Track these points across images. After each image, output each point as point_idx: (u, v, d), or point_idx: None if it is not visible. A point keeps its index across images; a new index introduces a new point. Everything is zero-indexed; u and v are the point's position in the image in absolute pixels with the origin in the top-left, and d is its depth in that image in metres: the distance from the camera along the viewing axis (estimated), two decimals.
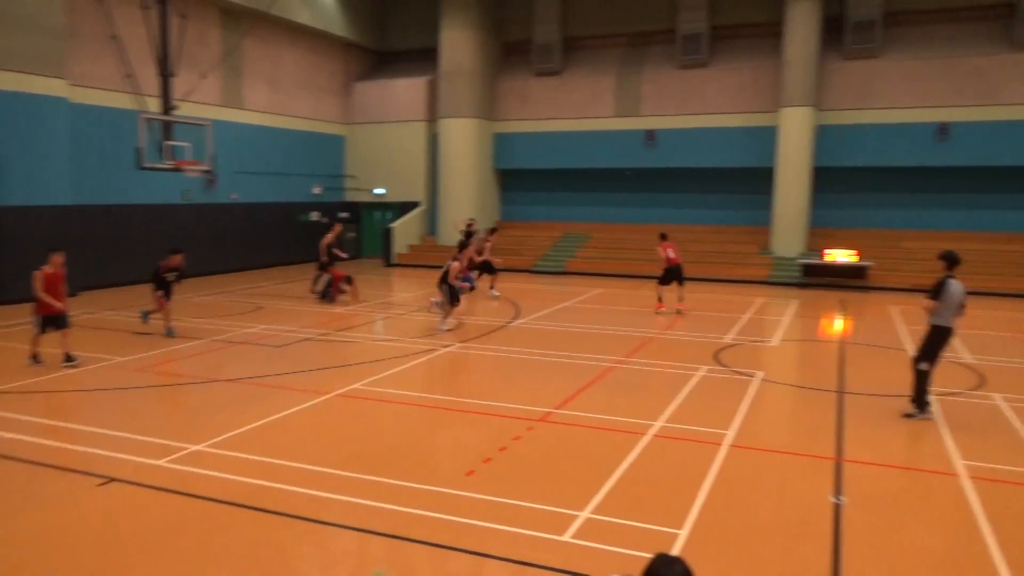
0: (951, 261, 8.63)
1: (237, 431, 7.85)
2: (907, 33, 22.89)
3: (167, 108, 17.16)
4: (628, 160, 25.67)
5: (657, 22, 25.55)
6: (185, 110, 18.57)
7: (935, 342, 8.53)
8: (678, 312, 16.03)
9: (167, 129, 16.98)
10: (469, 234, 16.32)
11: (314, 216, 27.15)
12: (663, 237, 16.49)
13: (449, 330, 13.76)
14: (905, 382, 10.32)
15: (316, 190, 27.23)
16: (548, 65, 26.46)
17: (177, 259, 13.21)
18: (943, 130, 21.70)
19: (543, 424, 8.25)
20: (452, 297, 13.85)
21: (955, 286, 8.42)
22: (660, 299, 16.33)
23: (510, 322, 14.97)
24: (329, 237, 17.58)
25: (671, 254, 16.00)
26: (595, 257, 24.67)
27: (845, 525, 5.77)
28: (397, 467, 6.88)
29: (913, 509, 6.17)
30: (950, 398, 9.51)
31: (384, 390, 9.63)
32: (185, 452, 7.20)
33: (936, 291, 8.49)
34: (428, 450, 7.54)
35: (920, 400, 8.56)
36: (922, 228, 23.02)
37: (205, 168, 17.70)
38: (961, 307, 8.50)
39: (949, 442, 7.77)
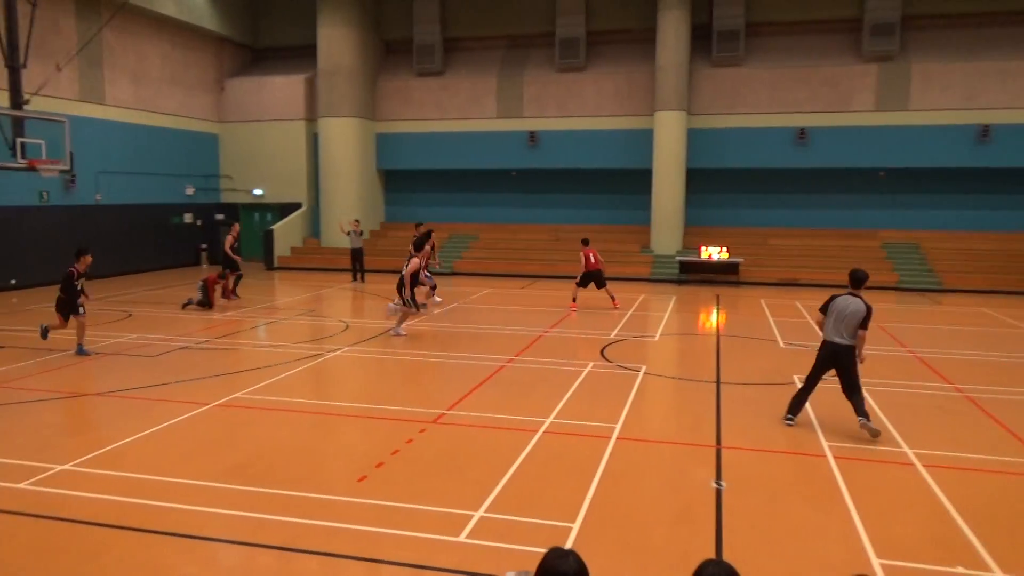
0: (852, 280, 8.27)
1: (108, 448, 7.35)
2: (768, 43, 24.36)
3: (17, 103, 15.85)
4: (512, 161, 25.98)
5: (536, 25, 25.99)
6: (38, 105, 17.23)
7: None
8: (615, 308, 16.81)
9: (18, 125, 15.69)
10: (428, 233, 16.25)
11: (187, 218, 25.85)
12: (585, 243, 17.24)
13: (404, 335, 13.45)
14: (775, 370, 11.00)
15: (189, 191, 25.93)
16: (430, 65, 26.36)
17: (88, 261, 11.89)
18: (802, 134, 23.26)
19: (436, 426, 8.22)
20: (412, 301, 13.46)
21: (840, 302, 8.12)
22: (574, 299, 16.97)
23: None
24: (229, 239, 17.47)
25: (592, 259, 16.70)
26: (483, 257, 24.81)
27: (726, 508, 6.08)
28: (284, 477, 6.66)
29: (786, 489, 6.57)
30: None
31: (269, 398, 9.30)
32: (50, 473, 6.67)
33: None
34: (317, 458, 7.34)
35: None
36: (787, 226, 24.60)
37: (63, 167, 16.47)
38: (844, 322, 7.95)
39: (816, 425, 8.33)
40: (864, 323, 7.90)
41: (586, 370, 10.92)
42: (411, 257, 13.61)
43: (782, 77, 23.55)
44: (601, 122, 24.98)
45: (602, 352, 12.24)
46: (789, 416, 8.45)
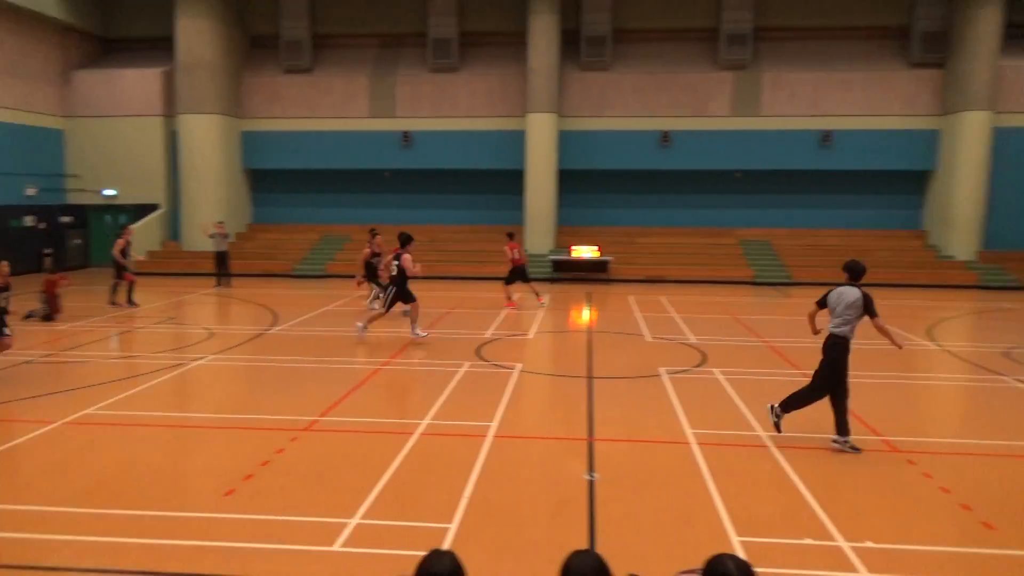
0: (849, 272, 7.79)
1: None
2: (634, 49, 25.35)
3: None
4: (385, 161, 25.67)
5: (409, 25, 25.81)
6: None
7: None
8: (540, 305, 17.24)
9: None
10: (408, 238, 15.86)
11: (28, 221, 23.81)
12: (510, 236, 17.46)
13: (425, 335, 13.13)
14: (644, 364, 11.46)
15: (30, 191, 23.88)
16: (298, 62, 25.59)
17: (5, 268, 10.50)
18: (665, 137, 24.37)
19: (308, 433, 7.99)
20: (406, 297, 12.96)
21: (834, 294, 7.77)
22: (509, 297, 17.31)
23: (267, 329, 14.28)
24: (120, 242, 16.79)
25: (516, 254, 16.89)
26: (356, 259, 24.33)
27: (598, 499, 6.28)
28: (144, 496, 6.27)
29: (654, 476, 6.87)
30: (679, 375, 10.71)
31: (124, 413, 8.72)
32: None
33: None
34: (179, 474, 6.96)
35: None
36: (653, 225, 25.69)
37: None
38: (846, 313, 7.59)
39: (681, 414, 8.76)
40: (869, 311, 7.51)
41: (462, 370, 10.95)
42: (398, 255, 13.00)
43: (647, 82, 24.56)
44: (475, 123, 25.14)
45: (478, 352, 12.32)
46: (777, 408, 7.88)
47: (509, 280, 17.27)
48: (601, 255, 22.86)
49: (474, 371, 10.95)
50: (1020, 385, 10.43)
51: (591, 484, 6.61)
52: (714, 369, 11.12)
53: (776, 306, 18.54)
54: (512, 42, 25.48)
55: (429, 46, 25.21)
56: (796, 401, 7.84)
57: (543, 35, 23.52)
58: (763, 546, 5.44)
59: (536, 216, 24.32)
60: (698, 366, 11.37)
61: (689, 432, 8.09)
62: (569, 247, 23.34)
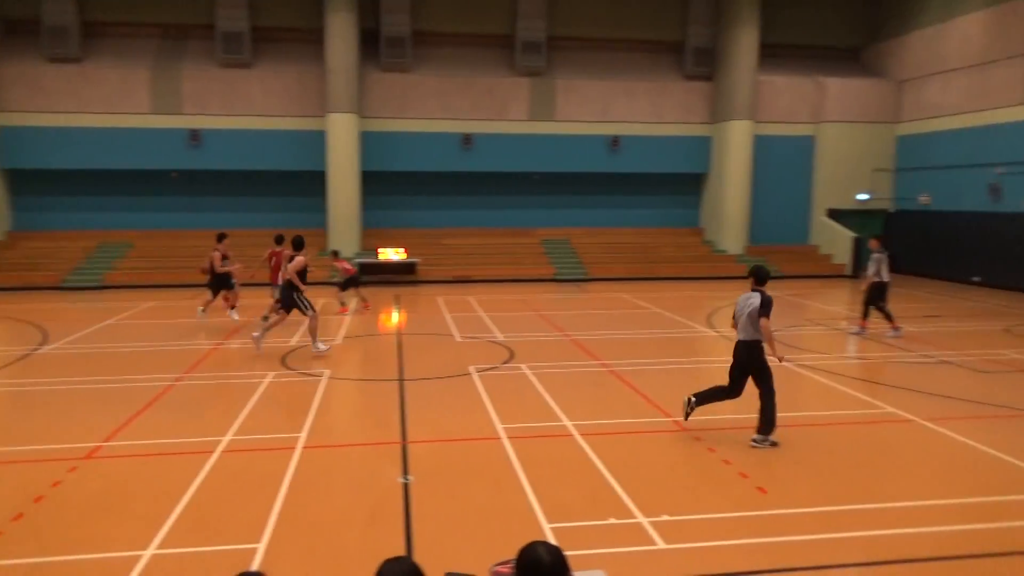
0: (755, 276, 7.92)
1: None
2: (434, 52, 25.54)
3: None
4: (171, 161, 23.83)
5: (194, 16, 24.15)
6: None
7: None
8: (366, 309, 17.02)
9: None
10: (280, 238, 14.07)
11: None
12: (335, 255, 18.02)
13: (326, 350, 12.32)
14: (454, 363, 11.58)
15: None
16: (64, 50, 23.02)
17: None
18: (467, 140, 24.82)
19: (90, 461, 7.23)
20: (303, 305, 12.05)
21: (740, 300, 7.96)
22: (343, 304, 17.21)
23: (36, 349, 12.73)
24: None
25: (347, 266, 17.15)
26: (140, 268, 22.39)
27: (414, 501, 6.27)
28: None
29: (468, 473, 6.98)
30: (489, 372, 10.97)
31: None
32: None
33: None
34: None
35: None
36: (458, 226, 26.05)
37: None
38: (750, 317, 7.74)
39: (491, 411, 8.97)
40: (764, 312, 7.57)
41: (266, 381, 10.45)
42: (294, 257, 12.07)
43: (448, 85, 24.85)
44: (271, 122, 24.06)
45: (283, 360, 11.82)
46: (692, 399, 8.07)
47: (344, 287, 17.16)
48: (408, 257, 22.81)
49: (279, 381, 10.49)
50: (783, 364, 11.79)
51: (406, 487, 6.58)
52: (521, 365, 11.50)
53: (575, 301, 19.52)
54: (309, 39, 24.68)
55: (218, 39, 23.73)
56: (710, 398, 8.06)
57: (341, 34, 23.01)
58: (572, 530, 5.72)
59: (340, 219, 23.76)
60: (506, 362, 11.70)
61: (500, 427, 8.31)
62: (376, 249, 23.05)
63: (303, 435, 8.01)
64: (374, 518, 5.98)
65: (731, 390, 8.06)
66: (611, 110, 25.65)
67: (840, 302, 19.74)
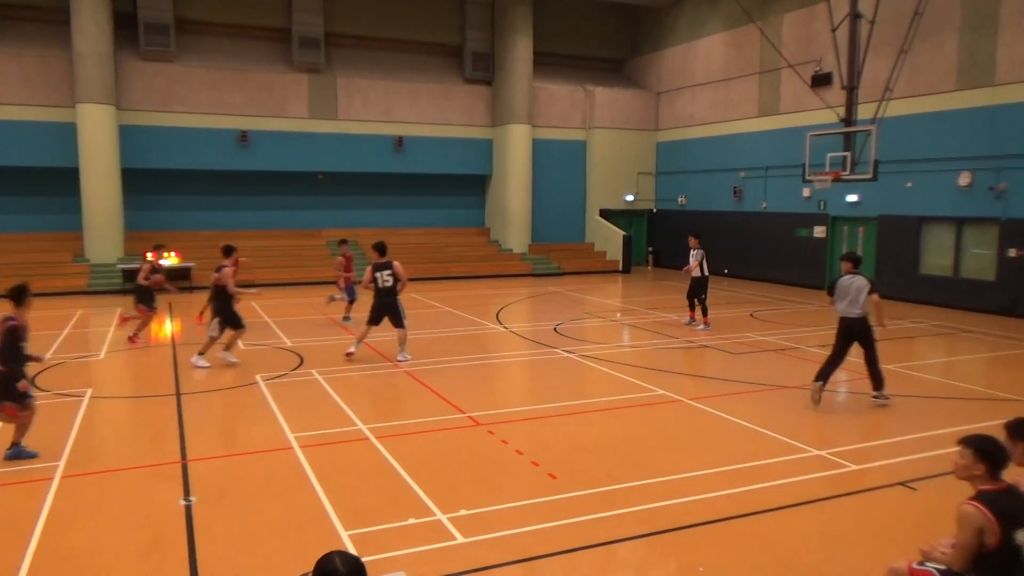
0: (852, 261, 9.37)
1: None
2: (203, 42, 23.87)
3: None
4: None
5: None
6: None
7: (838, 331, 9.45)
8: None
9: None
10: (230, 249, 11.21)
11: None
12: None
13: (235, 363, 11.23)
14: (239, 373, 10.92)
15: None
16: None
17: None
18: (244, 137, 23.48)
19: None
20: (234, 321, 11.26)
21: (846, 281, 9.19)
22: (124, 316, 15.12)
23: None
24: None
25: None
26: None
27: (198, 523, 5.83)
28: None
29: (258, 488, 6.62)
30: (277, 380, 10.48)
31: None
32: None
33: (830, 287, 9.47)
34: None
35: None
36: (239, 228, 24.56)
37: None
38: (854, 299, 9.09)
39: (282, 421, 8.57)
40: (875, 289, 9.12)
41: None
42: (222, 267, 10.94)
43: (220, 78, 23.34)
44: (8, 111, 21.10)
45: (33, 381, 10.43)
46: (819, 382, 9.20)
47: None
48: (182, 261, 21.10)
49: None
50: (567, 355, 12.50)
51: (188, 509, 6.10)
52: (312, 370, 11.12)
53: (366, 304, 19.15)
54: (52, 20, 21.99)
55: None
56: (828, 374, 9.29)
57: (91, 17, 20.69)
58: (371, 534, 5.64)
59: (97, 220, 21.41)
60: (296, 369, 11.26)
61: (291, 436, 7.97)
62: (144, 254, 21.00)
63: (61, 463, 7.13)
64: (153, 546, 5.47)
65: (839, 359, 9.39)
66: (394, 111, 25.57)
67: (615, 296, 21.28)
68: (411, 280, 23.42)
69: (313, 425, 8.38)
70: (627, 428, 8.55)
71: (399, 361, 11.69)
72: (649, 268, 28.56)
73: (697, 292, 15.11)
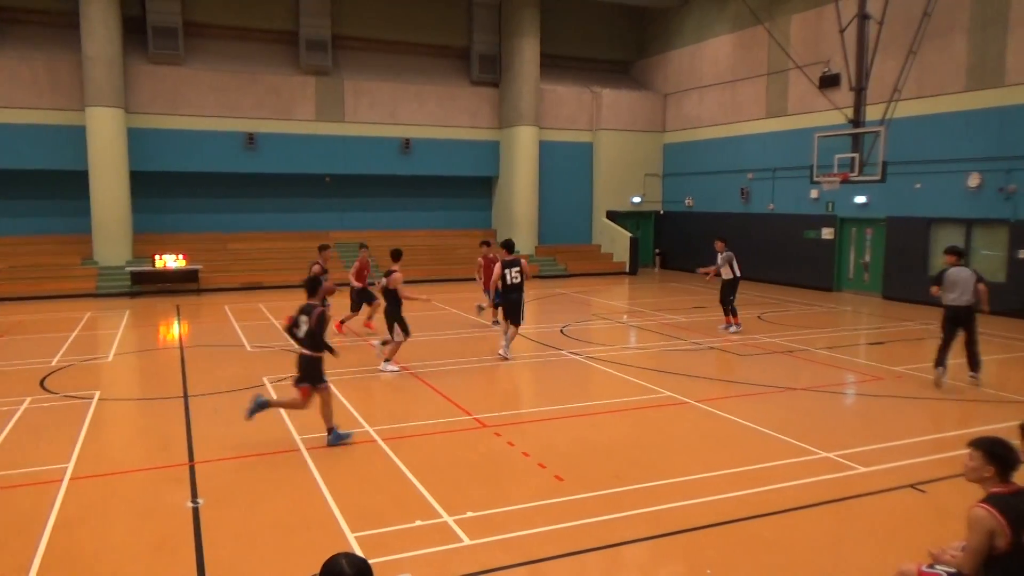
0: (957, 254, 10.16)
1: None
2: (211, 46, 23.97)
3: None
4: None
5: None
6: None
7: (944, 318, 10.24)
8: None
9: None
10: (398, 253, 11.56)
11: None
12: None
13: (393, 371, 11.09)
14: (245, 375, 10.95)
15: None
16: None
17: None
18: (251, 140, 23.56)
19: None
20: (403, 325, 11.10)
21: (954, 273, 9.95)
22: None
23: None
24: None
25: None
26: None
27: (205, 525, 5.84)
28: None
29: (265, 490, 6.62)
30: (285, 382, 10.48)
31: None
32: None
33: (936, 278, 10.23)
34: None
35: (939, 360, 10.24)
36: (245, 230, 24.66)
37: None
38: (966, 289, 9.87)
39: (288, 423, 8.58)
40: (983, 280, 9.94)
41: (22, 407, 9.22)
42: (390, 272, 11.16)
43: (228, 81, 23.43)
44: (18, 114, 21.22)
45: (42, 383, 10.49)
46: (940, 367, 10.07)
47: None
48: (189, 264, 21.18)
49: (39, 406, 9.30)
50: (573, 356, 12.48)
51: (196, 511, 6.12)
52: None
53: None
54: (62, 24, 22.13)
55: None
56: (945, 358, 10.14)
57: (100, 21, 20.81)
58: (378, 536, 5.64)
59: (106, 223, 21.52)
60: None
61: (298, 439, 7.99)
62: (152, 256, 21.14)
63: (71, 465, 7.16)
64: (161, 548, 5.49)
65: (950, 344, 10.19)
66: (401, 113, 25.61)
67: (622, 297, 21.25)
68: (417, 282, 23.51)
69: (319, 427, 8.37)
70: (634, 430, 8.53)
71: (504, 356, 11.91)
72: (656, 270, 28.49)
73: (728, 294, 14.96)
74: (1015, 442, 4.01)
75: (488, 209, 28.37)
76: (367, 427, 8.40)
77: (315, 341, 7.66)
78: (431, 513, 6.06)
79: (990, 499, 3.75)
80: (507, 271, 11.90)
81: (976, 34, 17.41)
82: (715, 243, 15.22)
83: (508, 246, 12.39)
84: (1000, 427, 7.70)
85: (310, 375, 7.70)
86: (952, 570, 3.86)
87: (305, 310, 7.69)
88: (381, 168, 25.55)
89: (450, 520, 5.91)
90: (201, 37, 23.85)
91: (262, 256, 23.61)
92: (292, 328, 7.73)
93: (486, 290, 14.88)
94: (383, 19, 25.94)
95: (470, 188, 27.90)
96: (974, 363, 10.33)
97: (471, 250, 26.43)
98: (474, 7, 26.56)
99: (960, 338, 10.22)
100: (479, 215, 28.29)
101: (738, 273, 14.97)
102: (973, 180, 17.39)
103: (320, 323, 7.64)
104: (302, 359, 7.71)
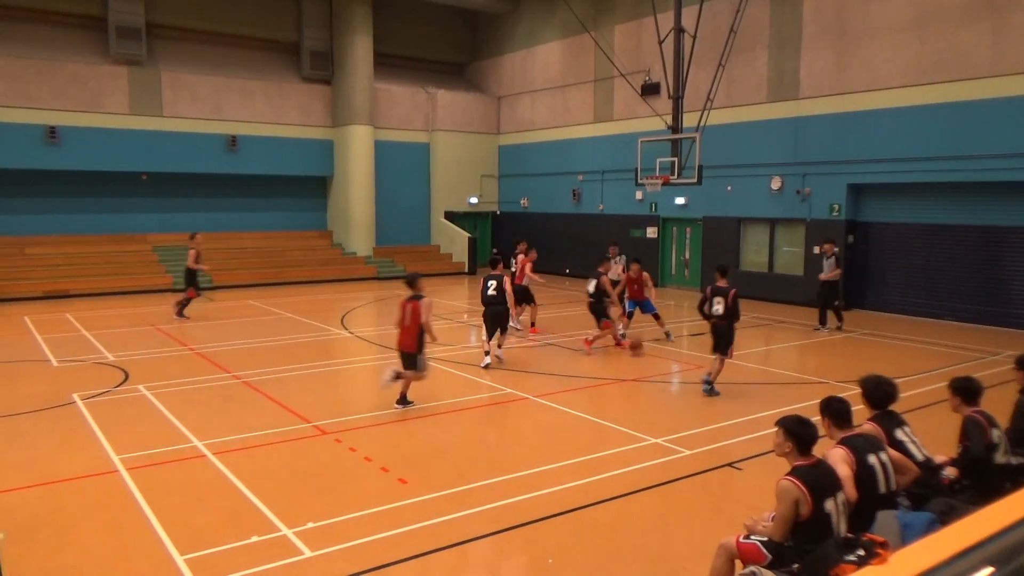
0: None
1: None
2: (3, 28, 21.51)
3: None
4: None
5: None
6: None
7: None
8: None
9: None
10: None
11: None
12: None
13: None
14: (52, 392, 9.94)
15: None
16: None
17: None
18: (53, 133, 21.38)
19: None
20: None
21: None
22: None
23: None
24: None
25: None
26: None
27: (7, 562, 5.22)
28: None
29: (78, 518, 6.05)
30: (98, 399, 9.63)
31: None
32: None
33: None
34: None
35: None
36: (47, 233, 22.34)
37: None
38: None
39: (104, 442, 7.88)
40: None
41: None
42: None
43: (22, 68, 21.11)
44: None
45: None
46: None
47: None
48: None
49: None
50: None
51: None
52: (139, 386, 10.31)
53: (201, 311, 18.11)
54: None
55: None
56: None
57: None
58: (210, 556, 5.32)
59: None
60: (120, 385, 10.39)
61: (116, 459, 7.35)
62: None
63: None
64: None
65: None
66: (226, 108, 24.28)
67: (462, 297, 21.42)
68: (248, 286, 22.42)
69: (141, 445, 7.78)
70: (476, 428, 8.63)
71: (486, 364, 11.72)
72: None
73: (833, 295, 15.13)
74: (816, 419, 4.48)
75: (324, 210, 27.57)
76: (195, 441, 7.89)
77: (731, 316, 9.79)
78: (269, 527, 5.80)
79: (794, 471, 4.16)
80: (489, 283, 12.03)
81: (774, 51, 19.21)
82: (824, 245, 15.67)
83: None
84: (804, 406, 8.56)
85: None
86: (765, 538, 4.23)
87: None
88: (205, 166, 24.08)
89: (289, 533, 5.69)
90: None
91: (68, 262, 21.49)
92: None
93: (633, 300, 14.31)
94: (204, 8, 24.49)
95: (303, 188, 26.97)
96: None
97: (306, 252, 25.62)
98: (303, 2, 25.70)
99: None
100: (314, 216, 27.42)
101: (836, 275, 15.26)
102: (775, 183, 19.19)
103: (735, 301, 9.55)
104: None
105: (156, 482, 6.76)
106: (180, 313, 16.13)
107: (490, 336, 12.03)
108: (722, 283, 10.07)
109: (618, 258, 15.72)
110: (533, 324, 14.96)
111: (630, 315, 14.28)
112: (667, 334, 14.17)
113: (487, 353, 11.85)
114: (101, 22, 22.65)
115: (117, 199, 23.55)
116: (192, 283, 16.15)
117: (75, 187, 22.78)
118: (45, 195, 22.45)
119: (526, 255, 15.29)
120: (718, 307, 9.90)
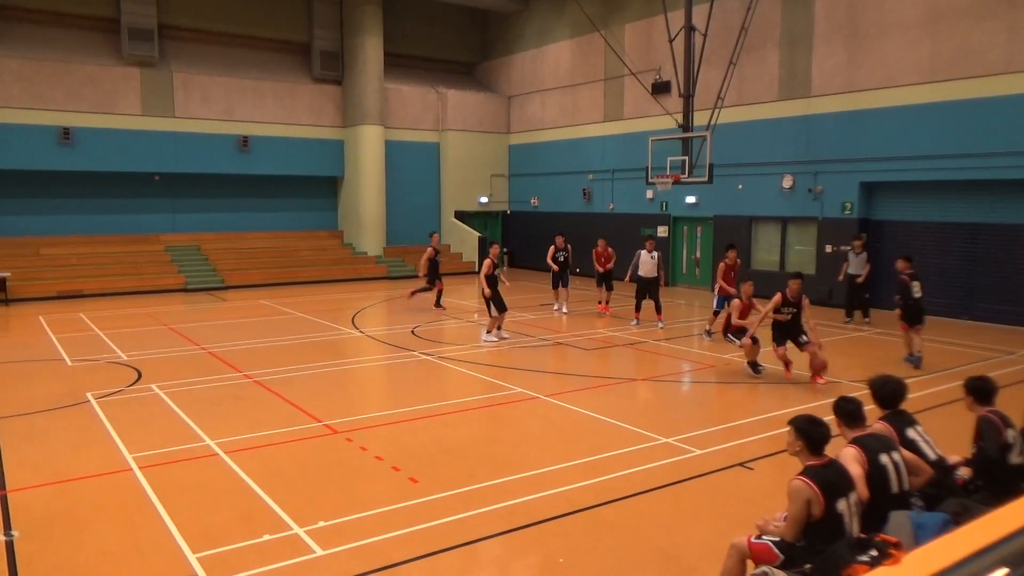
0: None
1: None
2: (18, 31, 21.71)
3: None
4: None
5: None
6: None
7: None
8: None
9: None
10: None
11: None
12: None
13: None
14: (67, 392, 10.03)
15: None
16: None
17: None
18: (67, 134, 21.56)
19: None
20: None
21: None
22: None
23: None
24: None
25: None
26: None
27: (21, 560, 5.29)
28: None
29: (92, 516, 6.09)
30: (111, 398, 9.70)
31: None
32: None
33: None
34: None
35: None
36: (62, 234, 22.53)
37: None
38: None
39: (118, 441, 7.94)
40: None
41: None
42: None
43: (36, 70, 21.29)
44: None
45: None
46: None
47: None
48: None
49: None
50: (425, 357, 12.44)
51: (10, 545, 5.52)
52: (152, 385, 10.38)
53: (212, 311, 18.24)
54: None
55: None
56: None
57: None
58: (223, 555, 5.35)
59: None
60: (133, 384, 10.47)
61: (129, 458, 7.41)
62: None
63: None
64: None
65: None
66: (238, 109, 24.40)
67: (472, 296, 21.42)
68: (260, 286, 22.52)
69: (154, 444, 7.84)
70: (486, 428, 8.64)
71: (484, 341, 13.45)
72: (504, 268, 28.98)
73: (863, 291, 15.96)
74: (829, 418, 4.45)
75: (334, 210, 27.66)
76: (208, 440, 7.94)
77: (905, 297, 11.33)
78: (281, 526, 5.82)
79: (806, 471, 4.14)
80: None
81: (785, 49, 19.11)
82: (854, 243, 16.17)
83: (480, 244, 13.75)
84: (818, 405, 8.52)
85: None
86: (777, 539, 4.21)
87: None
88: (217, 167, 24.21)
89: (301, 532, 5.72)
90: (4, 20, 21.52)
91: (81, 262, 21.67)
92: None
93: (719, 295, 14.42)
94: (216, 10, 24.61)
95: (314, 188, 27.07)
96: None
97: (316, 252, 25.71)
98: (314, 2, 25.79)
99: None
100: (324, 216, 27.51)
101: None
102: (786, 182, 19.09)
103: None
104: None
105: (169, 480, 6.81)
106: (437, 303, 17.91)
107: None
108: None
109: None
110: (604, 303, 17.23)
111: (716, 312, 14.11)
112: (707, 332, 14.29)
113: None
114: (114, 24, 22.81)
115: (130, 200, 23.72)
116: (437, 277, 17.88)
117: (88, 188, 22.96)
118: (59, 196, 22.64)
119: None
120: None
